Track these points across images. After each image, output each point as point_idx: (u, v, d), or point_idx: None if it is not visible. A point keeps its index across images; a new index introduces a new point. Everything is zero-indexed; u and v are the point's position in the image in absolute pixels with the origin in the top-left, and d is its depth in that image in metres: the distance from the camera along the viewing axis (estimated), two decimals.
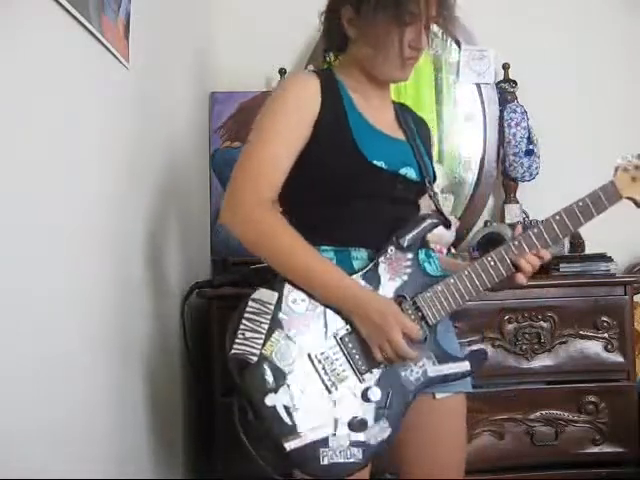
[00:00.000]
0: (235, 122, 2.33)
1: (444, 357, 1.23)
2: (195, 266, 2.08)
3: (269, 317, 1.16)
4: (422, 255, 1.29)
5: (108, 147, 1.32)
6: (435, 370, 1.22)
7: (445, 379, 1.23)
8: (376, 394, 1.17)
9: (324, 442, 1.13)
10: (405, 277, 1.23)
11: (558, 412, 1.97)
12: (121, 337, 1.37)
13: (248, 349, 1.14)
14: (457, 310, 1.26)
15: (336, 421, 1.15)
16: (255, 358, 1.13)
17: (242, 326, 1.15)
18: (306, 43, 2.48)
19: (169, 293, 1.77)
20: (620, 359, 1.98)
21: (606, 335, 1.98)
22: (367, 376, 1.18)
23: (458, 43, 2.48)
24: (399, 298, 1.22)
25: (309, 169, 1.25)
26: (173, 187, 1.84)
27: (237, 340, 1.14)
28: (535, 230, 1.25)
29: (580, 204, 1.25)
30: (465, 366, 1.24)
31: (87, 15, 1.16)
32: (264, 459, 1.15)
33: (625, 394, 1.99)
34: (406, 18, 1.23)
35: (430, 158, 1.44)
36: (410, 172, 1.32)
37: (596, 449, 1.98)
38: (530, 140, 2.42)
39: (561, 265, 2.04)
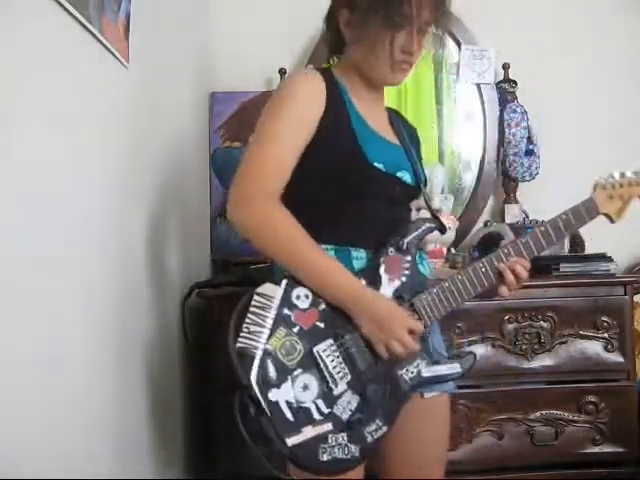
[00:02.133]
0: (235, 122, 2.33)
1: (436, 358, 1.27)
2: (195, 266, 2.08)
3: (274, 312, 1.16)
4: (417, 257, 1.31)
5: (108, 147, 1.32)
6: (429, 370, 1.25)
7: (437, 380, 1.26)
8: (374, 392, 1.19)
9: (324, 438, 1.15)
10: (404, 278, 1.26)
11: (558, 412, 1.97)
12: (121, 337, 1.37)
13: (252, 343, 1.14)
14: (449, 312, 1.28)
15: (336, 418, 1.16)
16: (259, 352, 1.13)
17: (247, 320, 1.15)
18: (306, 43, 2.49)
19: (169, 293, 1.77)
20: (620, 359, 1.98)
21: (606, 335, 1.98)
22: (365, 375, 1.20)
23: (458, 43, 2.48)
24: (398, 299, 1.24)
25: (312, 168, 1.25)
26: (173, 187, 1.84)
27: (242, 334, 1.14)
28: (523, 240, 1.30)
29: (563, 217, 1.31)
30: (456, 367, 1.27)
31: (87, 15, 1.16)
32: (265, 455, 1.14)
33: (625, 394, 1.99)
34: (396, 21, 1.24)
35: (420, 163, 1.45)
36: (405, 176, 1.34)
37: (596, 449, 1.98)
38: (530, 140, 2.43)
39: (561, 265, 2.03)
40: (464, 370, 1.27)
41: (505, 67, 2.48)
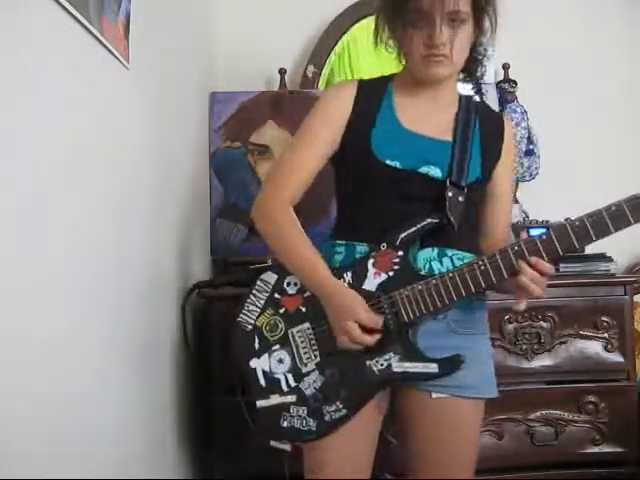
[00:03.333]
0: (235, 122, 2.33)
1: (413, 355, 1.27)
2: (195, 266, 2.08)
3: (267, 295, 1.35)
4: (431, 254, 1.31)
5: (107, 147, 1.32)
6: (399, 366, 1.27)
7: (411, 376, 1.27)
8: (331, 376, 1.29)
9: (286, 407, 1.30)
10: (391, 273, 1.29)
11: (558, 412, 1.97)
12: (121, 337, 1.38)
13: (247, 319, 1.35)
14: (437, 312, 1.27)
15: (300, 392, 1.30)
16: (250, 327, 1.35)
17: (248, 300, 1.36)
18: (306, 43, 2.49)
19: (169, 293, 1.77)
20: (620, 359, 1.98)
21: (606, 335, 1.98)
22: (332, 359, 1.30)
23: None
24: (379, 293, 1.28)
25: (338, 171, 1.40)
26: (173, 187, 1.84)
27: (243, 311, 1.36)
28: (543, 237, 1.22)
29: (613, 209, 1.19)
30: (432, 368, 1.26)
31: (87, 15, 1.16)
32: (252, 421, 1.34)
33: (625, 394, 1.99)
34: (414, 18, 1.27)
35: (490, 156, 1.39)
36: (432, 170, 1.32)
37: (596, 449, 1.98)
38: (530, 140, 2.42)
39: (561, 265, 2.03)
40: (442, 373, 1.25)
41: (505, 67, 2.48)
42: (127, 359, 1.42)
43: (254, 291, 1.36)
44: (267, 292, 1.35)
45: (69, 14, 1.10)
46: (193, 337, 1.92)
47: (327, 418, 1.28)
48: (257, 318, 1.34)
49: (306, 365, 1.31)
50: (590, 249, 2.20)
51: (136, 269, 1.50)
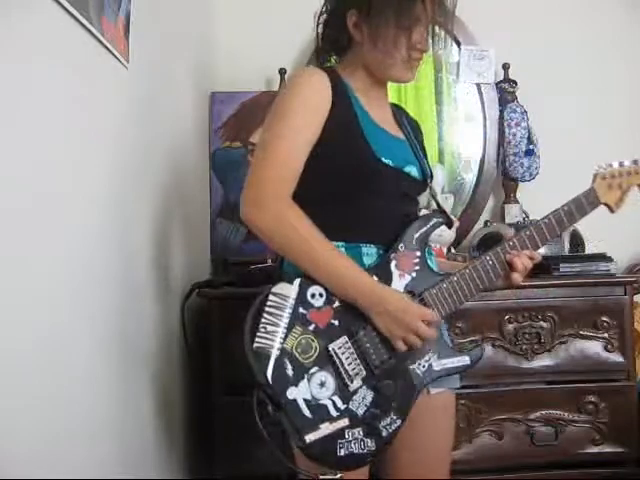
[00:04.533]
0: (235, 122, 2.33)
1: (447, 352, 1.29)
2: (195, 266, 2.08)
3: (290, 311, 1.17)
4: (426, 253, 1.32)
5: (108, 147, 1.32)
6: (440, 364, 1.27)
7: (447, 373, 1.28)
8: (387, 387, 1.22)
9: (341, 434, 1.17)
10: (414, 274, 1.28)
11: (558, 412, 1.97)
12: (121, 337, 1.38)
13: (270, 342, 1.15)
14: (458, 308, 1.30)
15: (352, 413, 1.19)
16: (277, 352, 1.15)
17: (263, 320, 1.16)
18: (306, 43, 2.48)
19: (169, 293, 1.77)
20: (620, 359, 1.98)
21: (606, 335, 1.98)
22: (379, 370, 1.22)
23: (458, 43, 2.48)
24: (408, 294, 1.26)
25: (319, 166, 1.26)
26: (173, 187, 1.84)
27: (259, 334, 1.15)
28: (527, 232, 1.33)
29: (565, 209, 1.33)
30: (465, 360, 1.29)
31: (87, 15, 1.16)
32: (282, 452, 1.17)
33: (625, 394, 1.98)
34: (410, 21, 1.28)
35: (426, 158, 1.47)
36: (413, 170, 1.37)
37: (596, 449, 1.98)
38: (530, 140, 2.42)
39: (561, 265, 2.03)
40: (473, 363, 1.29)
41: (505, 67, 2.48)
42: (126, 359, 1.41)
43: (268, 308, 1.17)
44: (288, 308, 1.17)
45: (69, 14, 1.10)
46: (193, 337, 1.92)
47: (384, 433, 1.21)
48: (284, 339, 1.16)
49: (352, 382, 1.20)
50: (590, 249, 2.21)
51: (136, 269, 1.50)
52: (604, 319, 1.98)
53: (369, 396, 1.21)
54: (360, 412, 1.19)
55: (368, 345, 1.21)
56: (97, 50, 1.26)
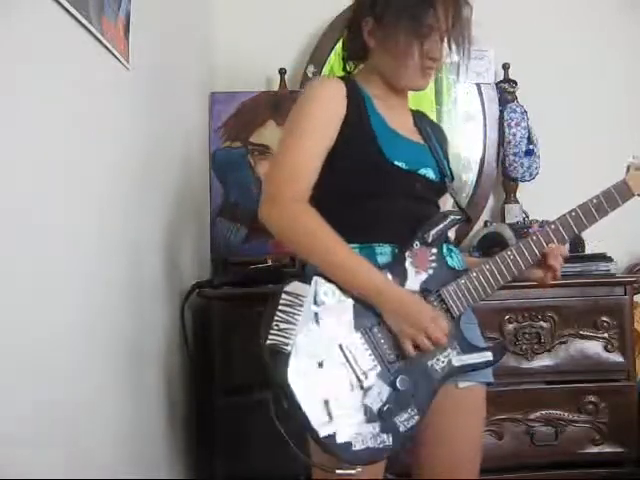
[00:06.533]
0: (235, 122, 2.33)
1: (468, 347, 1.29)
2: (195, 266, 2.08)
3: (302, 309, 1.19)
4: (444, 250, 1.33)
5: (108, 147, 1.32)
6: (459, 360, 1.28)
7: (469, 368, 1.29)
8: (404, 383, 1.22)
9: (357, 428, 1.18)
10: (430, 271, 1.29)
11: (558, 412, 1.97)
12: (121, 337, 1.37)
13: (283, 339, 1.17)
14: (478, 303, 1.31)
15: (367, 409, 1.19)
16: (289, 348, 1.16)
17: (277, 317, 1.18)
18: (306, 43, 2.48)
19: (169, 293, 1.77)
20: (620, 359, 1.98)
21: (606, 335, 1.98)
22: (395, 366, 1.23)
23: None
24: (424, 292, 1.27)
25: (334, 169, 1.30)
26: (173, 187, 1.84)
27: (272, 331, 1.18)
28: (552, 226, 1.32)
29: (594, 201, 1.32)
30: (487, 356, 1.29)
31: (87, 15, 1.16)
32: (299, 448, 1.18)
33: (625, 394, 1.99)
34: (424, 30, 1.30)
35: (447, 160, 1.50)
36: (429, 173, 1.39)
37: (596, 449, 1.98)
38: (530, 140, 2.42)
39: None
40: (495, 359, 1.29)
41: (505, 67, 2.48)
42: (126, 359, 1.41)
43: (282, 306, 1.19)
44: (302, 306, 1.19)
45: (69, 14, 1.10)
46: (193, 337, 1.92)
47: (402, 429, 1.21)
48: (297, 336, 1.18)
49: (367, 378, 1.20)
50: (590, 249, 2.21)
51: (136, 269, 1.50)
52: (604, 319, 1.98)
53: (385, 392, 1.21)
54: (375, 407, 1.20)
55: (383, 341, 1.23)
56: (97, 50, 1.26)
